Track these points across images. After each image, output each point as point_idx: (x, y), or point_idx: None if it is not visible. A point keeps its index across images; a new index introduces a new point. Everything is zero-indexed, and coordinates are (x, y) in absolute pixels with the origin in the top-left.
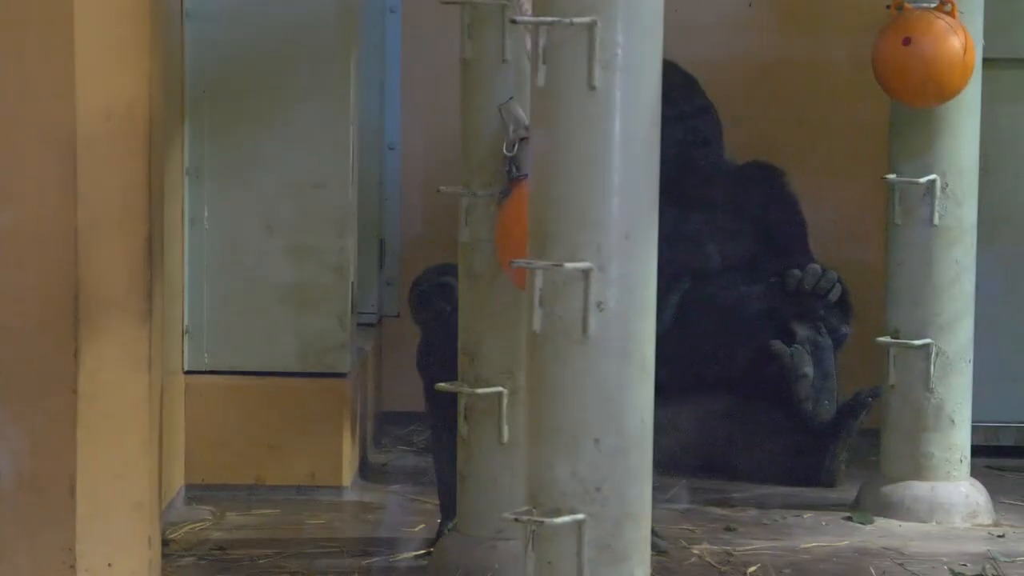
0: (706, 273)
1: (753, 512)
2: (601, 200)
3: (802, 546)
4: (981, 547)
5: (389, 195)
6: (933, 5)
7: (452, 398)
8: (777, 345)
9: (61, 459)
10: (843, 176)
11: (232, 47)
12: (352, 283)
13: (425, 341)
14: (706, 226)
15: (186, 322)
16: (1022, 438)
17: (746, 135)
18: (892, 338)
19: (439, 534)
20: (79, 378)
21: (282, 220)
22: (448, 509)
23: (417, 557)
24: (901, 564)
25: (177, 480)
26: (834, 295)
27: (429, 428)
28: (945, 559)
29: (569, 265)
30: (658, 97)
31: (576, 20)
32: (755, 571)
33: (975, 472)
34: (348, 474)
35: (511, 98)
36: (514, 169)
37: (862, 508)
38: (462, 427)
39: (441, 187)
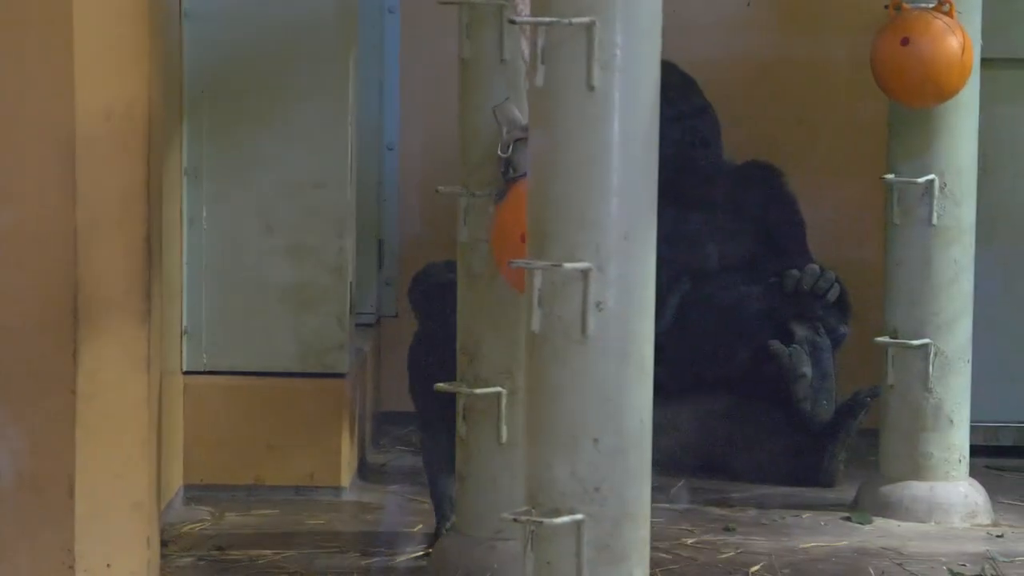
0: (705, 273)
1: (752, 512)
2: (600, 200)
3: (801, 546)
4: (980, 547)
5: (388, 195)
6: (931, 5)
7: (446, 398)
8: (776, 345)
9: (60, 459)
10: (842, 176)
11: (231, 47)
12: (351, 283)
13: (423, 338)
14: (705, 226)
15: (185, 322)
16: (1021, 438)
17: (745, 135)
18: (891, 338)
19: (437, 534)
20: (78, 378)
21: (281, 220)
22: (443, 510)
23: (416, 557)
24: (900, 564)
25: (176, 480)
26: (832, 295)
27: (420, 428)
28: (944, 559)
29: (568, 265)
30: (657, 97)
31: (575, 20)
32: (755, 571)
33: (974, 472)
34: (347, 474)
35: (507, 99)
36: (510, 170)
37: (861, 508)
38: (461, 427)
39: (440, 187)
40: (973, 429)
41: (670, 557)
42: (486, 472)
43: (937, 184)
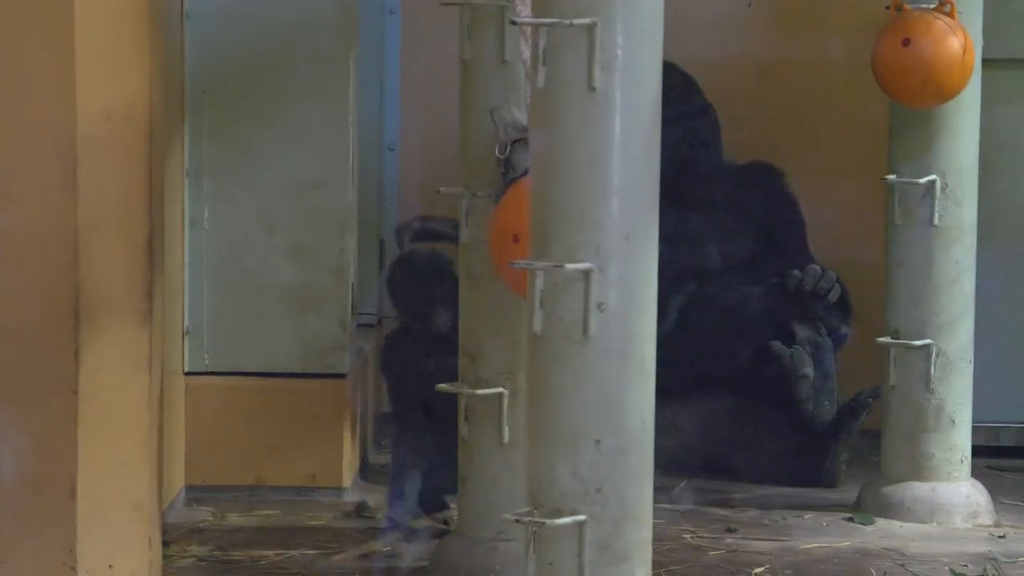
0: (706, 273)
1: (754, 513)
2: (601, 201)
3: (803, 547)
4: (982, 548)
5: (388, 196)
6: (932, 6)
7: (421, 393)
8: (777, 346)
9: (62, 459)
10: (843, 176)
11: (232, 48)
12: (352, 284)
13: (399, 331)
14: (706, 226)
15: (186, 323)
16: (1022, 438)
17: (746, 135)
18: (892, 338)
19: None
20: (80, 378)
21: (282, 221)
22: (429, 506)
23: (417, 558)
24: (902, 565)
25: (177, 481)
26: (834, 295)
27: (393, 421)
28: (946, 560)
29: (569, 266)
30: (658, 98)
31: (576, 21)
32: (757, 572)
33: (976, 472)
34: (348, 475)
35: (505, 101)
36: (510, 171)
37: (863, 509)
38: (463, 428)
39: (441, 188)
40: (975, 429)
41: (672, 558)
42: (487, 473)
43: (938, 185)
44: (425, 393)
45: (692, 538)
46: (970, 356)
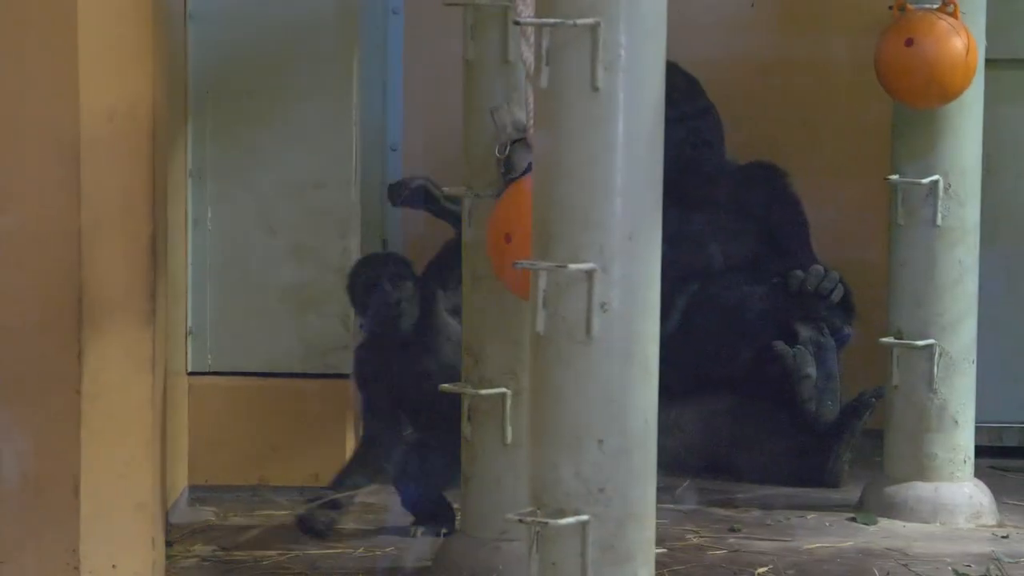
0: (709, 273)
1: (757, 513)
2: (604, 201)
3: (806, 547)
4: (985, 548)
5: None
6: (935, 6)
7: (389, 401)
8: (780, 346)
9: (65, 460)
10: (845, 177)
11: (235, 48)
12: None
13: (366, 339)
14: (709, 226)
15: (189, 323)
16: None
17: (748, 136)
18: (895, 338)
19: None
20: (83, 379)
21: (285, 221)
22: (339, 479)
23: (420, 558)
24: (905, 565)
25: (180, 481)
26: (836, 296)
27: (363, 422)
28: (949, 560)
29: (572, 266)
30: (661, 98)
31: (579, 21)
32: (760, 572)
33: (978, 473)
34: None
35: (506, 101)
36: (510, 171)
37: (866, 509)
38: (466, 428)
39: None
40: (978, 430)
41: (675, 558)
42: (490, 473)
43: (941, 185)
44: (395, 400)
45: (695, 538)
46: (973, 356)
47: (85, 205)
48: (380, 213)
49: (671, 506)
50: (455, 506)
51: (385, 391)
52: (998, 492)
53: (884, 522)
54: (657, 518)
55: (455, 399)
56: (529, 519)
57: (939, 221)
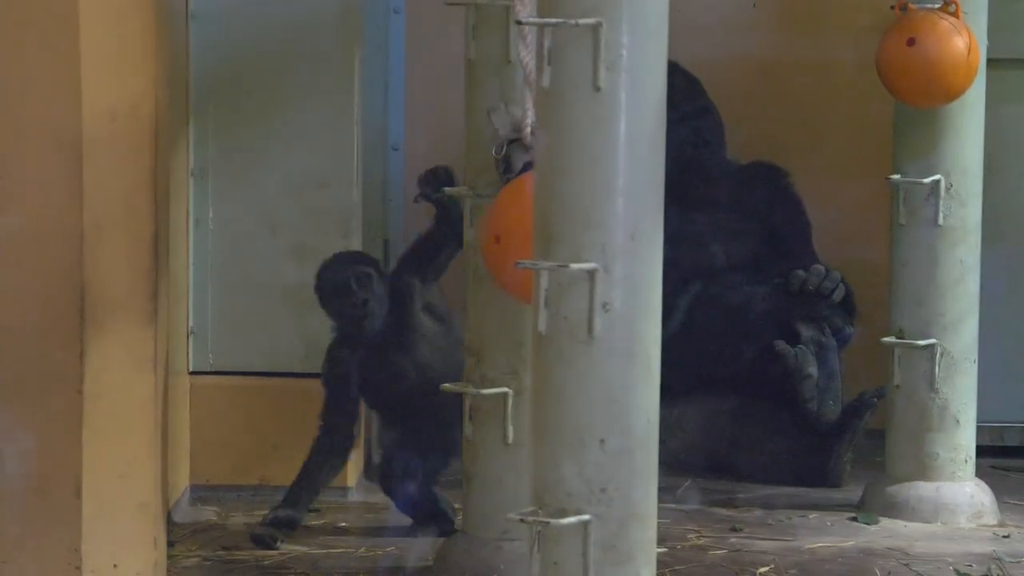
0: (710, 273)
1: (758, 512)
2: (606, 201)
3: (807, 546)
4: (986, 547)
5: (393, 196)
6: (937, 6)
7: (351, 403)
8: (781, 346)
9: (67, 460)
10: (847, 176)
11: (237, 48)
12: None
13: (335, 339)
14: (710, 226)
15: (191, 323)
16: None
17: (750, 135)
18: (896, 338)
19: (256, 533)
20: (84, 379)
21: (286, 221)
22: (283, 502)
23: (422, 557)
24: (906, 564)
25: (182, 481)
26: (838, 295)
27: (320, 422)
28: (950, 559)
29: (574, 266)
30: (663, 98)
31: (581, 21)
32: (762, 572)
33: (980, 472)
34: (353, 475)
35: (504, 101)
36: (508, 171)
37: (867, 508)
38: (467, 428)
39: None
40: (979, 429)
41: (676, 557)
42: (492, 472)
43: (943, 184)
44: (367, 401)
45: (697, 538)
46: (974, 356)
47: (87, 205)
48: (381, 213)
49: (673, 506)
50: (456, 506)
51: (352, 392)
52: (999, 492)
53: (885, 522)
54: (659, 518)
55: (431, 398)
56: (531, 519)
57: (941, 221)
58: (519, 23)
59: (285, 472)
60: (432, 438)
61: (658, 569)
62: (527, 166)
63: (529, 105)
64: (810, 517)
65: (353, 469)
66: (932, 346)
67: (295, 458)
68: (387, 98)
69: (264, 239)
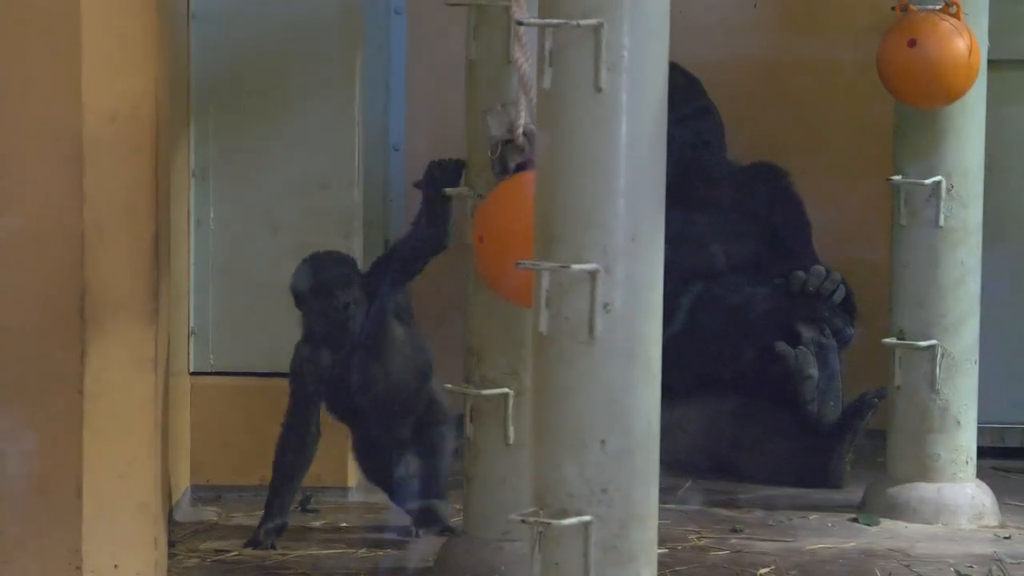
0: (711, 274)
1: (759, 513)
2: (607, 201)
3: (808, 547)
4: (987, 549)
5: (394, 196)
6: (938, 7)
7: (315, 404)
8: (782, 347)
9: (67, 460)
10: (848, 177)
11: (238, 49)
12: None
13: (304, 337)
14: (710, 227)
15: (192, 323)
16: None
17: (750, 136)
18: (897, 339)
19: (254, 538)
20: (85, 379)
21: (288, 221)
22: (270, 509)
23: (423, 558)
24: (907, 566)
25: (183, 481)
26: (838, 296)
27: (283, 424)
28: (951, 561)
29: (576, 267)
30: (664, 99)
31: (582, 22)
32: (763, 573)
33: (981, 473)
34: (354, 475)
35: (501, 102)
36: (505, 172)
37: (868, 509)
38: (468, 428)
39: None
40: (980, 430)
41: (677, 558)
42: (493, 473)
43: (944, 185)
44: (328, 403)
45: (697, 539)
46: (975, 357)
47: (88, 205)
48: (383, 213)
49: (674, 507)
50: (456, 506)
51: (321, 390)
52: (1000, 493)
53: (886, 523)
54: (660, 519)
55: (392, 405)
56: (532, 519)
57: (942, 222)
58: (520, 24)
59: None
60: (390, 444)
61: (659, 570)
62: (519, 167)
63: (522, 106)
64: (811, 518)
65: (354, 469)
66: (933, 347)
67: None
68: (388, 98)
69: (265, 239)
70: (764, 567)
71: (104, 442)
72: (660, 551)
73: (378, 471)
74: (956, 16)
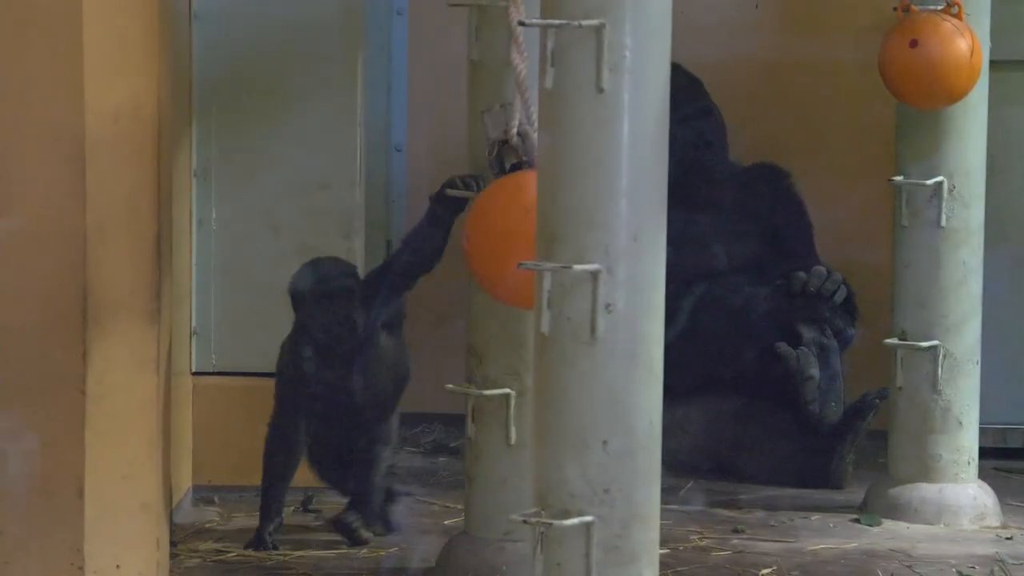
0: (713, 275)
1: (761, 514)
2: (609, 202)
3: (809, 548)
4: (989, 549)
5: (396, 196)
6: (940, 7)
7: (302, 403)
8: (783, 347)
9: (69, 460)
10: (849, 178)
11: (240, 49)
12: None
13: (292, 336)
14: (712, 228)
15: (194, 323)
16: None
17: (752, 137)
18: (899, 340)
19: (259, 539)
20: (87, 379)
21: (289, 221)
22: (270, 512)
23: (424, 558)
24: (909, 566)
25: (185, 481)
26: (839, 297)
27: (271, 424)
28: (953, 561)
29: (577, 267)
30: (666, 99)
31: (584, 23)
32: (764, 574)
33: (982, 474)
34: None
35: (498, 104)
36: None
37: (870, 510)
38: (470, 428)
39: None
40: (982, 431)
41: (679, 559)
42: (495, 473)
43: (946, 186)
44: (306, 403)
45: (699, 539)
46: (977, 357)
47: (90, 206)
48: (384, 214)
49: (675, 507)
50: (457, 506)
51: (309, 390)
52: (1002, 494)
53: (888, 523)
54: (661, 519)
55: (366, 414)
56: (533, 520)
57: (943, 222)
58: (522, 24)
59: None
60: (347, 448)
61: (660, 570)
62: (514, 167)
63: (517, 107)
64: (812, 518)
65: None
66: (935, 348)
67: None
68: (390, 99)
69: (267, 240)
70: (766, 567)
71: (106, 443)
72: (662, 551)
73: (334, 471)
74: (958, 17)
